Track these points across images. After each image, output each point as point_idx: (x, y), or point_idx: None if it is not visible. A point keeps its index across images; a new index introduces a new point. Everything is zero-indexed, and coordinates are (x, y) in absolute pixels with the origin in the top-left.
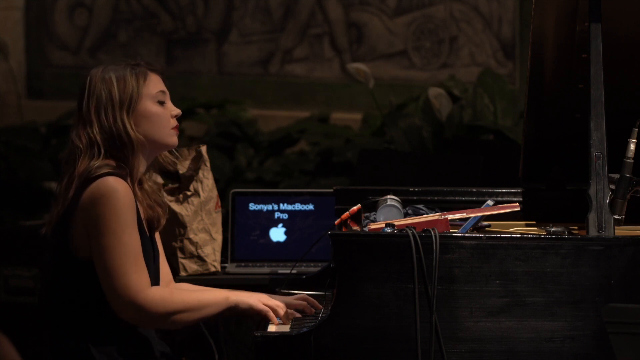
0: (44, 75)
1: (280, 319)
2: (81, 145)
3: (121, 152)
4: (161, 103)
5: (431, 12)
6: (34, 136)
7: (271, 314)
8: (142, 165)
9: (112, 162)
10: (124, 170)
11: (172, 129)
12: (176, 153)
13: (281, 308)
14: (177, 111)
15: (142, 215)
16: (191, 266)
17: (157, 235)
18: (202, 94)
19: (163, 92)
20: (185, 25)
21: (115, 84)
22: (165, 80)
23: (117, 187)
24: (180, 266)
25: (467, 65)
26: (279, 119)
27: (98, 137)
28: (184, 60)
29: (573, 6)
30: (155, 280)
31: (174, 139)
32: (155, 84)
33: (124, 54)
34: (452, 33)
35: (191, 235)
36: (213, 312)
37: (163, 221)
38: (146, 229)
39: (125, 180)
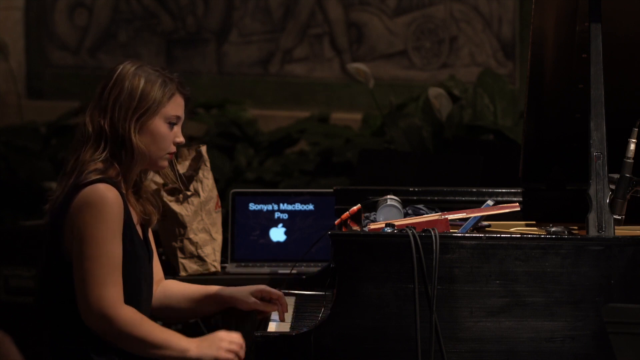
0: (44, 75)
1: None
2: (91, 131)
3: (120, 152)
4: (171, 125)
5: (431, 12)
6: (34, 136)
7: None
8: (135, 171)
9: (103, 166)
10: (117, 175)
11: (168, 154)
12: (176, 176)
13: (242, 349)
14: (181, 140)
15: (135, 220)
16: (191, 266)
17: (150, 235)
18: (202, 94)
19: (178, 117)
20: (185, 25)
21: (141, 86)
22: (188, 105)
23: (106, 195)
24: (180, 266)
25: (467, 65)
26: (279, 119)
27: (107, 129)
28: (184, 60)
29: (573, 6)
30: (148, 281)
31: (163, 164)
32: (175, 107)
33: (124, 54)
34: (452, 33)
35: (191, 235)
36: (168, 357)
37: (154, 219)
38: (139, 232)
39: (117, 186)
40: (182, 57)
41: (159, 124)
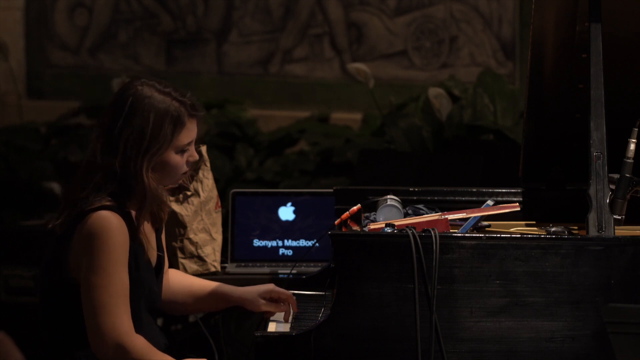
0: (44, 75)
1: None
2: (100, 165)
3: (130, 186)
4: (183, 152)
5: (431, 12)
6: (34, 136)
7: None
8: (149, 207)
9: (110, 198)
10: (124, 204)
11: (182, 174)
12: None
13: None
14: (194, 158)
15: (146, 241)
16: (191, 266)
17: (162, 238)
18: (202, 94)
19: (191, 142)
20: (185, 25)
21: (151, 123)
22: (201, 120)
23: (110, 224)
24: (180, 266)
25: (467, 65)
26: (279, 119)
27: (118, 169)
28: (184, 60)
29: (573, 6)
30: (158, 293)
31: (178, 183)
32: (187, 134)
33: (124, 54)
34: (452, 33)
35: (191, 235)
36: None
37: (165, 219)
38: (149, 254)
39: (123, 212)
40: (182, 57)
41: (171, 157)
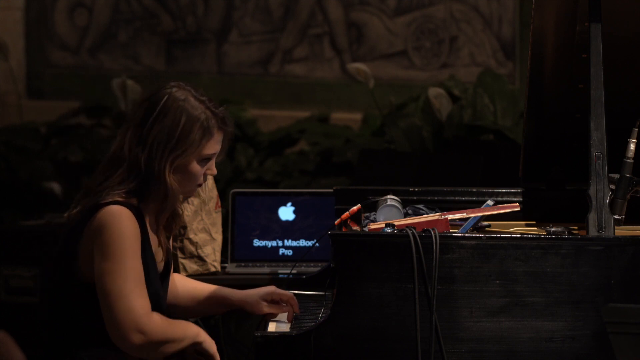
0: (44, 75)
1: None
2: (127, 158)
3: (150, 185)
4: (205, 162)
5: (431, 12)
6: (34, 136)
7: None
8: (170, 206)
9: (126, 194)
10: (139, 203)
11: (196, 185)
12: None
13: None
14: (213, 172)
15: (155, 245)
16: (191, 266)
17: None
18: None
19: (214, 154)
20: (185, 25)
21: (181, 126)
22: (229, 136)
23: (120, 214)
24: (181, 266)
25: (467, 65)
26: (279, 119)
27: (143, 164)
28: (184, 60)
29: (573, 6)
30: (164, 298)
31: (192, 194)
32: (213, 146)
33: (124, 54)
34: (452, 33)
35: (191, 235)
36: (184, 347)
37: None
38: (157, 256)
39: (135, 210)
40: (182, 57)
41: (192, 164)
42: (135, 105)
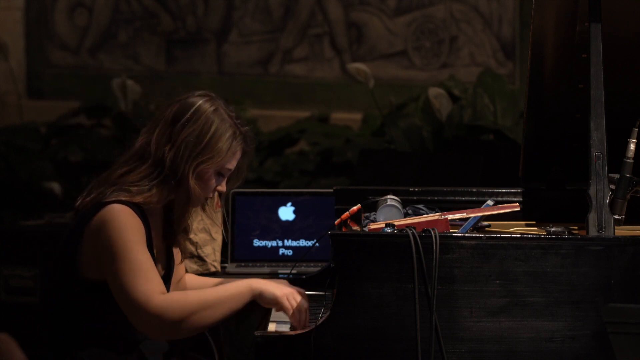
0: (44, 75)
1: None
2: (153, 155)
3: (168, 186)
4: (220, 176)
5: (431, 12)
6: (34, 136)
7: (291, 312)
8: (188, 210)
9: (137, 191)
10: (148, 203)
11: (204, 198)
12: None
13: (303, 311)
14: (223, 189)
15: (156, 245)
16: (191, 266)
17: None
18: None
19: (231, 170)
20: (185, 25)
21: (210, 133)
22: (248, 156)
23: (122, 210)
24: None
25: (467, 65)
26: (279, 119)
27: (168, 163)
28: (184, 60)
29: (573, 6)
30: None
31: (197, 205)
32: (233, 161)
33: (124, 54)
34: (452, 33)
35: (191, 235)
36: (236, 307)
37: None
38: (158, 261)
39: (138, 210)
40: (182, 57)
41: (210, 174)
42: (164, 106)
